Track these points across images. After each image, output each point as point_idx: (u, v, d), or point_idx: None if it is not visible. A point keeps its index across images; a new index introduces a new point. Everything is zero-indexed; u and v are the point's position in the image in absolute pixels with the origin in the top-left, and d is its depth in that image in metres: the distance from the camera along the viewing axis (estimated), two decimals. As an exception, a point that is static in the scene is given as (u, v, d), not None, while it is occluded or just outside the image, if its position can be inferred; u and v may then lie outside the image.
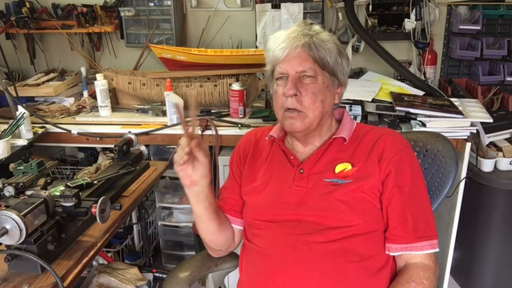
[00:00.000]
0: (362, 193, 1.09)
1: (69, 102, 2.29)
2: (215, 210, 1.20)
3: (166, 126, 1.94)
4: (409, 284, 1.05)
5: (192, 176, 1.07)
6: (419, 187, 1.13)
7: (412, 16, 2.29)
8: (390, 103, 1.85)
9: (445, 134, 1.46)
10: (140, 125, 1.98)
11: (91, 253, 1.18)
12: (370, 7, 2.35)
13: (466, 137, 1.79)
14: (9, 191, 1.26)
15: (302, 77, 1.12)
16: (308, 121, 1.13)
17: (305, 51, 1.11)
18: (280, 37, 1.14)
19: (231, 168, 1.32)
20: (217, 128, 1.90)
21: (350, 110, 1.85)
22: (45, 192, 1.16)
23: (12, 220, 1.00)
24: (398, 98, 1.89)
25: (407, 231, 1.08)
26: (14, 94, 2.09)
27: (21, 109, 1.83)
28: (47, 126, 1.97)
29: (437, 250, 1.09)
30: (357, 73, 2.32)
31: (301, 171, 1.16)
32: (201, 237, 1.28)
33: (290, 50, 1.11)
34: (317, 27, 1.16)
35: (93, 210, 1.19)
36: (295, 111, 1.12)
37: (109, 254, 2.20)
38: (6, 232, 1.00)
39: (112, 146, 1.63)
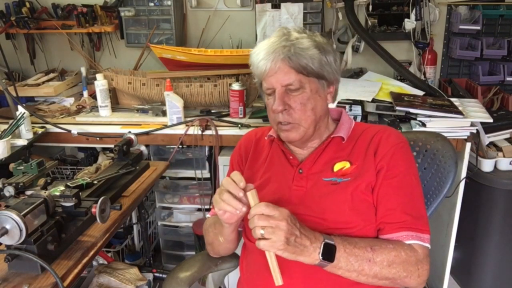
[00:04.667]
0: (360, 192, 1.09)
1: (69, 102, 2.30)
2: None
3: (166, 126, 1.94)
4: (388, 244, 1.03)
5: (238, 214, 1.04)
6: (410, 181, 1.11)
7: (412, 16, 2.29)
8: (390, 103, 1.85)
9: (445, 134, 1.47)
10: (140, 125, 1.99)
11: (91, 253, 1.19)
12: (370, 7, 2.35)
13: (466, 137, 1.79)
14: (9, 191, 1.26)
15: (289, 89, 1.10)
16: (303, 130, 1.13)
17: (286, 64, 1.08)
18: (260, 52, 1.11)
19: (232, 168, 1.32)
20: (217, 128, 1.91)
21: (350, 110, 1.85)
22: (45, 192, 1.16)
23: (12, 220, 1.00)
24: (398, 98, 1.89)
25: (393, 222, 1.06)
26: (14, 94, 2.09)
27: (21, 109, 1.84)
28: (47, 126, 1.97)
29: (427, 245, 1.06)
30: (357, 73, 2.32)
31: (300, 171, 1.16)
32: (217, 254, 1.30)
33: (271, 65, 1.08)
34: (295, 34, 1.12)
35: (93, 210, 1.19)
36: (287, 123, 1.12)
37: (109, 254, 2.20)
38: (6, 232, 1.00)
39: (112, 146, 1.63)
